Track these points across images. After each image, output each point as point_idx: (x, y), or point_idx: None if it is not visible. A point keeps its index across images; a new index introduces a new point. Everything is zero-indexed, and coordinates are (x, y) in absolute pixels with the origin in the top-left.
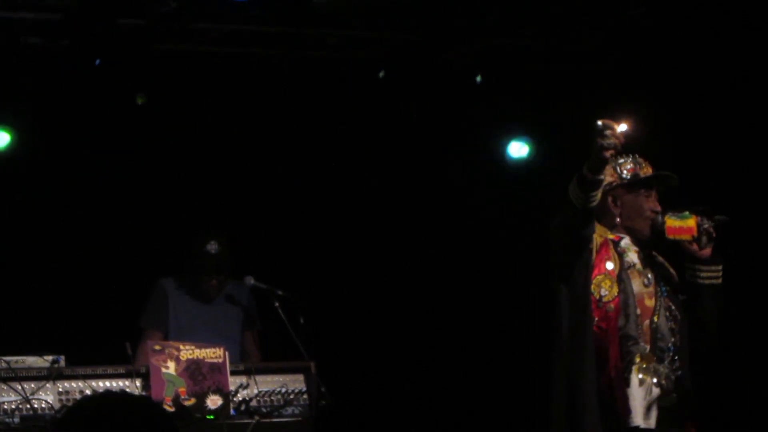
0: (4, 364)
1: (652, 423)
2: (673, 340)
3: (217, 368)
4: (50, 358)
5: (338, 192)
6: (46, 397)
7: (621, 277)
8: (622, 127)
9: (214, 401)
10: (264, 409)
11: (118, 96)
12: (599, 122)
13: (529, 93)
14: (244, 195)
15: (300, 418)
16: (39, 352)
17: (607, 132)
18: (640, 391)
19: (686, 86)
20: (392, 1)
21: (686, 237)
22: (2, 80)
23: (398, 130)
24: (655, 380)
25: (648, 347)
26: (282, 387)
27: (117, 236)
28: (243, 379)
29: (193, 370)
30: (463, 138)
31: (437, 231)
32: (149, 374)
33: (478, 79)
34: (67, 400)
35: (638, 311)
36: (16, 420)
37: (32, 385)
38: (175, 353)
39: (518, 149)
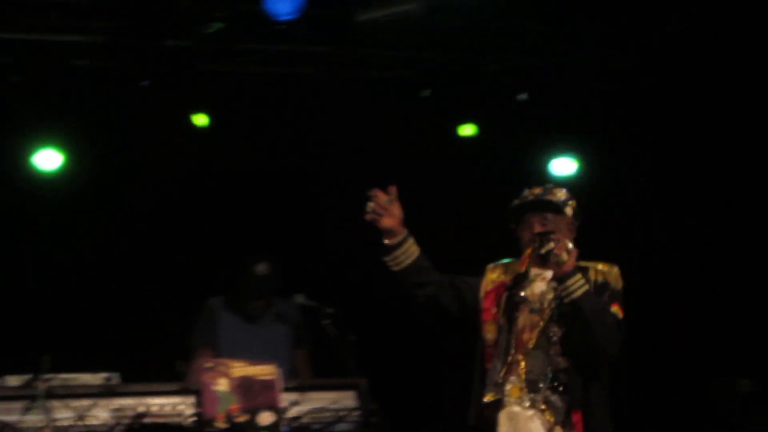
0: (59, 382)
1: None
2: (552, 366)
3: (268, 385)
4: (104, 375)
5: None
6: (101, 414)
7: (504, 318)
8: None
9: (265, 418)
10: (315, 426)
11: (166, 116)
12: (370, 192)
13: (574, 110)
14: (294, 213)
15: None
16: (93, 370)
17: (371, 202)
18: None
19: (727, 101)
20: (436, 20)
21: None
22: (53, 102)
23: (443, 148)
24: (531, 411)
25: (514, 383)
26: (333, 404)
27: (169, 256)
28: (294, 396)
29: (245, 387)
30: (507, 157)
31: (481, 250)
32: (202, 391)
33: (523, 97)
34: (121, 417)
35: (512, 349)
36: None
37: (86, 403)
38: (227, 370)
39: (563, 166)
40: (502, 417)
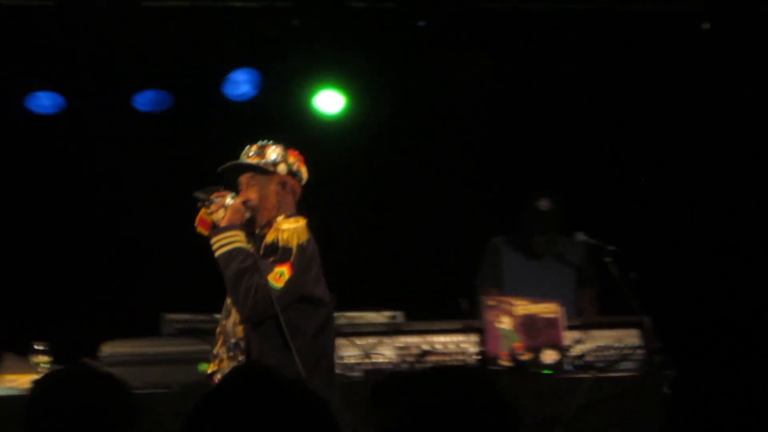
0: (345, 321)
1: None
2: (235, 336)
3: (551, 323)
4: (389, 314)
5: (651, 140)
6: (386, 352)
7: None
8: None
9: (549, 356)
10: (599, 365)
11: (441, 57)
12: None
13: None
14: (577, 150)
15: (635, 374)
16: (378, 309)
17: None
18: None
19: None
20: None
21: None
22: (332, 44)
23: (727, 81)
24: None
25: (221, 353)
26: (617, 342)
27: (452, 195)
28: (578, 335)
29: (528, 325)
30: None
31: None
32: (485, 330)
33: None
34: (406, 354)
35: (223, 319)
36: (358, 374)
37: (372, 341)
38: (510, 308)
39: None
40: None
